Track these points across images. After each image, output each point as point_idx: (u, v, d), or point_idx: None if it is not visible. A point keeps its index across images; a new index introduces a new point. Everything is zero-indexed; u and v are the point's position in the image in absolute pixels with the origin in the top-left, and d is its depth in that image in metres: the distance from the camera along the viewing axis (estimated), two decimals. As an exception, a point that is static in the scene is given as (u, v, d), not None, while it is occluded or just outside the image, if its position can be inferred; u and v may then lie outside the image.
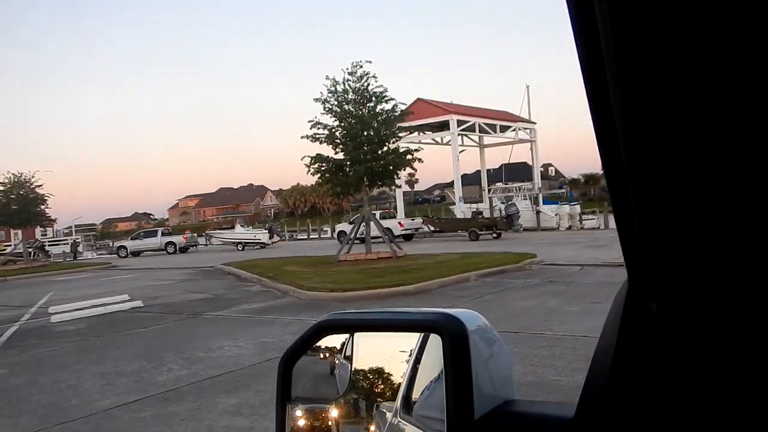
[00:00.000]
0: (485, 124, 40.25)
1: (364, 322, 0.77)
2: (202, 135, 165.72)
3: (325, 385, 0.77)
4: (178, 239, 39.09)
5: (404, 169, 18.13)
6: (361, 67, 17.54)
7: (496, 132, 41.95)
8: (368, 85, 17.63)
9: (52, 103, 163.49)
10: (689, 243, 0.45)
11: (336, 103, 17.41)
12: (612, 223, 36.76)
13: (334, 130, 17.53)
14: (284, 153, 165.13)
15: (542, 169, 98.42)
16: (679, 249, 0.45)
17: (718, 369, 0.47)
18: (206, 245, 40.13)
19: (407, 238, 32.34)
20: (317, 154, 17.61)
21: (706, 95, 0.38)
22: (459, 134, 41.70)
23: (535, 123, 46.30)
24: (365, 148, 17.24)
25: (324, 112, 17.34)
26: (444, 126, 39.00)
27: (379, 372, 0.74)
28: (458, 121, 38.24)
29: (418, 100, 39.23)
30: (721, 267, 0.45)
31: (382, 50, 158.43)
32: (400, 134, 17.97)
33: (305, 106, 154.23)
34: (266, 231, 37.46)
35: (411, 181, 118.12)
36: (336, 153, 17.73)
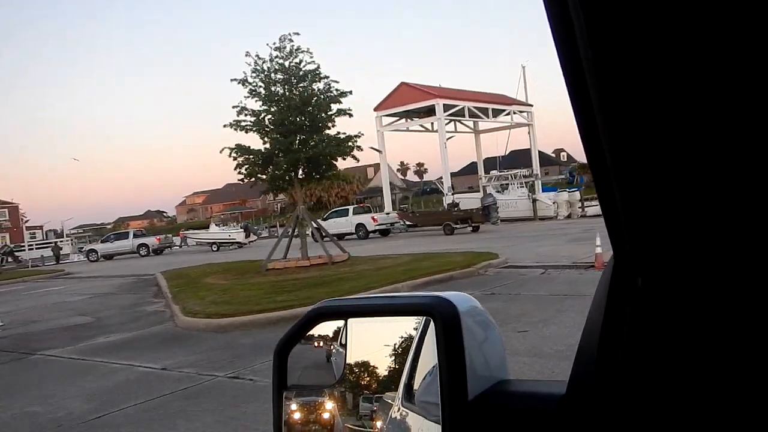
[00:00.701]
0: (475, 108, 37.28)
1: (357, 308, 0.77)
2: (210, 130, 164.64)
3: (321, 373, 0.76)
4: (151, 241, 36.97)
5: (344, 158, 15.54)
6: (291, 41, 14.96)
7: (488, 116, 38.96)
8: (300, 62, 15.05)
9: (62, 103, 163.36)
10: (672, 217, 0.45)
11: (261, 84, 14.85)
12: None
13: (262, 116, 14.95)
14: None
15: (553, 154, 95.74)
16: (662, 223, 0.46)
17: (703, 341, 0.48)
18: (180, 246, 37.92)
19: (383, 233, 29.84)
20: (237, 145, 15.06)
21: (678, 75, 0.38)
22: (449, 120, 38.98)
23: (531, 105, 43.23)
24: (296, 136, 14.68)
25: (248, 95, 14.78)
26: (432, 111, 36.15)
27: (374, 358, 0.73)
28: (445, 105, 35.36)
29: (402, 84, 36.53)
30: (705, 240, 0.46)
31: (380, 48, 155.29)
32: (335, 116, 15.30)
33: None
34: (242, 230, 35.12)
35: (420, 171, 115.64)
36: (264, 142, 15.14)
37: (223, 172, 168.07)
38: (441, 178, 37.01)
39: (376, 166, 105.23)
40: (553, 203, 35.96)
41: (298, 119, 14.63)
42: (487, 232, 25.25)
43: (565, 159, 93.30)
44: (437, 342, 0.65)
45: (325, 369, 0.75)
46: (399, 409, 0.70)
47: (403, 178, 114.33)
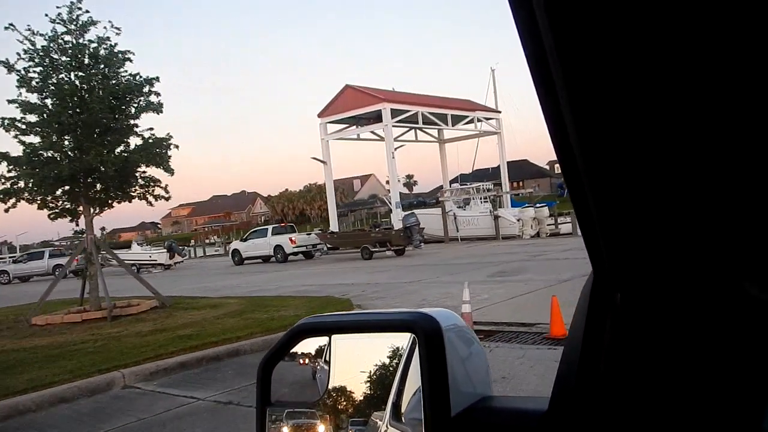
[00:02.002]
0: (431, 114, 33.30)
1: (340, 324, 0.76)
2: (204, 142, 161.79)
3: (305, 389, 0.76)
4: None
5: (156, 166, 11.41)
6: (87, 11, 10.98)
7: (447, 123, 34.97)
8: (96, 44, 11.02)
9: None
10: (650, 231, 0.45)
11: (37, 73, 10.81)
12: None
13: (41, 111, 10.87)
14: (279, 157, 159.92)
15: (547, 166, 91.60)
16: (640, 238, 0.46)
17: (683, 356, 0.48)
18: (103, 266, 33.85)
19: (307, 256, 25.75)
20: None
21: (647, 82, 0.37)
22: (410, 127, 35.01)
23: (499, 112, 39.28)
24: (78, 136, 10.60)
25: (20, 85, 10.74)
26: (381, 117, 32.17)
27: (359, 375, 0.72)
28: (395, 110, 31.39)
29: (347, 87, 32.63)
30: (683, 254, 0.46)
31: (347, 53, 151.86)
32: (141, 112, 11.27)
33: (303, 107, 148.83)
34: (164, 250, 31.06)
35: (409, 184, 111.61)
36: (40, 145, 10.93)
37: (211, 184, 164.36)
38: (386, 194, 32.84)
39: (363, 178, 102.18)
40: (518, 221, 31.92)
41: (84, 114, 10.56)
42: (410, 257, 21.22)
43: (559, 171, 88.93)
44: (420, 358, 0.64)
45: (309, 386, 0.74)
46: (387, 429, 0.68)
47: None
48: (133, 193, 11.54)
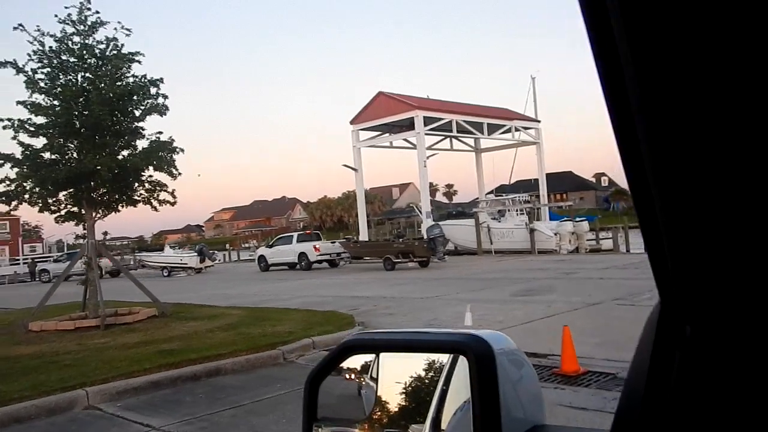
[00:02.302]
0: (466, 122, 32.39)
1: (390, 342, 0.76)
2: (248, 147, 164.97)
3: (351, 406, 0.75)
4: (104, 262, 33.37)
5: (158, 170, 11.02)
6: (96, 12, 10.74)
7: (483, 132, 33.96)
8: (107, 46, 10.75)
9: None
10: (723, 262, 0.42)
11: (45, 74, 10.59)
12: (636, 244, 28.64)
13: (47, 113, 10.62)
14: (319, 164, 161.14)
15: (593, 179, 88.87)
16: (712, 268, 0.43)
17: (757, 400, 0.44)
18: (136, 269, 34.22)
19: (332, 264, 25.21)
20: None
21: (733, 101, 0.35)
22: (444, 136, 34.18)
23: (539, 121, 37.95)
24: (81, 140, 10.33)
25: (29, 88, 10.52)
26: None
27: (405, 393, 0.72)
28: (428, 118, 30.63)
29: (380, 94, 32.10)
30: (758, 287, 0.42)
31: (385, 61, 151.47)
32: (146, 114, 10.91)
33: (341, 115, 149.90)
34: (195, 254, 31.09)
35: (449, 193, 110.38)
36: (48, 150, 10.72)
37: (253, 188, 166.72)
38: (420, 203, 31.98)
39: (402, 186, 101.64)
40: (555, 234, 30.61)
41: (90, 114, 10.27)
42: (435, 269, 20.37)
43: (606, 183, 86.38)
44: (471, 381, 0.63)
45: (356, 402, 0.74)
46: None
47: (431, 199, 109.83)
48: (137, 197, 11.20)
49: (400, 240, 22.92)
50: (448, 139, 36.01)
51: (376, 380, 0.72)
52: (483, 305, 11.22)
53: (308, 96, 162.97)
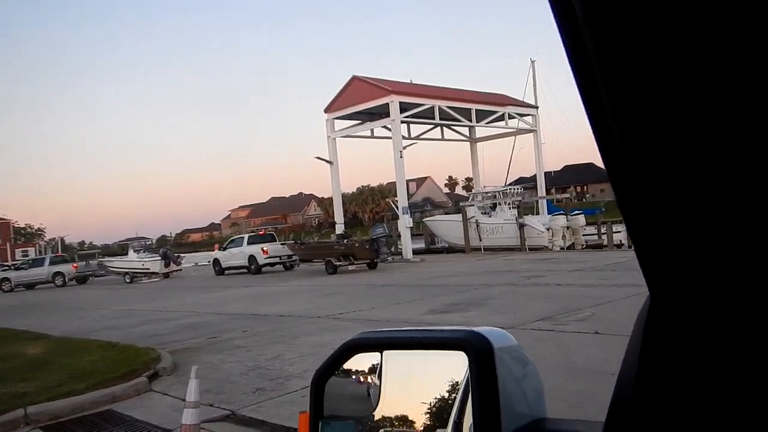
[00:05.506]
0: (450, 108, 29.49)
1: (393, 340, 0.78)
2: (263, 143, 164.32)
3: (357, 404, 0.77)
4: (67, 269, 31.70)
5: None
6: None
7: (470, 119, 31.02)
8: None
9: (128, 123, 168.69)
10: (711, 255, 0.41)
11: None
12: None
13: None
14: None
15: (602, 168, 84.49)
16: (699, 260, 0.42)
17: (745, 387, 0.45)
18: (104, 275, 32.40)
19: (286, 267, 22.76)
20: None
21: (705, 94, 0.34)
22: (434, 124, 31.36)
23: (536, 107, 34.80)
24: None
25: None
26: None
27: (410, 391, 0.74)
28: (406, 104, 27.86)
29: (354, 79, 29.42)
30: (747, 280, 0.41)
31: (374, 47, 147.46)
32: None
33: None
34: (158, 258, 29.00)
35: (469, 186, 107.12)
36: None
37: (269, 186, 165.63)
38: (397, 200, 29.14)
39: (419, 181, 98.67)
40: (547, 230, 27.62)
41: None
42: (387, 271, 17.77)
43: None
44: (470, 377, 0.64)
45: (362, 400, 0.75)
46: None
47: (449, 192, 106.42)
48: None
49: (344, 241, 20.31)
50: (440, 128, 33.22)
51: (380, 378, 0.73)
52: (375, 326, 8.62)
53: (320, 87, 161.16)
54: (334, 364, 0.77)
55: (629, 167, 0.38)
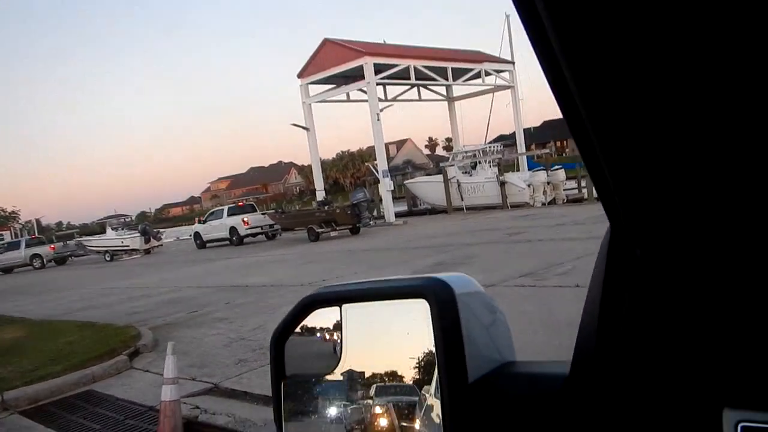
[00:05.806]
0: (426, 67, 29.03)
1: (350, 293, 0.75)
2: (241, 112, 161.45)
3: (320, 361, 0.75)
4: (45, 250, 31.14)
5: None
6: None
7: (446, 78, 30.61)
8: None
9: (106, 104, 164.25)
10: (668, 183, 0.42)
11: None
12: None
13: None
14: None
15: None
16: (657, 191, 0.43)
17: (706, 312, 0.47)
18: (83, 255, 31.91)
19: (270, 237, 22.62)
20: None
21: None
22: (410, 85, 30.90)
23: (512, 63, 34.42)
24: None
25: None
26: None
27: (372, 344, 0.72)
28: (381, 65, 27.34)
29: (326, 42, 28.72)
30: (702, 207, 0.43)
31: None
32: None
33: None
34: (137, 234, 28.60)
35: (450, 147, 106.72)
36: None
37: (249, 156, 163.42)
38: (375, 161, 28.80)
39: (399, 143, 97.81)
40: (528, 186, 27.65)
41: None
42: (369, 236, 17.70)
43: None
44: (432, 324, 0.63)
45: (324, 357, 0.74)
46: (434, 402, 0.67)
47: (429, 153, 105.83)
48: None
49: (325, 208, 20.13)
50: (416, 88, 32.75)
51: (341, 333, 0.71)
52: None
53: (295, 52, 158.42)
54: (291, 323, 0.74)
55: (583, 106, 0.38)
